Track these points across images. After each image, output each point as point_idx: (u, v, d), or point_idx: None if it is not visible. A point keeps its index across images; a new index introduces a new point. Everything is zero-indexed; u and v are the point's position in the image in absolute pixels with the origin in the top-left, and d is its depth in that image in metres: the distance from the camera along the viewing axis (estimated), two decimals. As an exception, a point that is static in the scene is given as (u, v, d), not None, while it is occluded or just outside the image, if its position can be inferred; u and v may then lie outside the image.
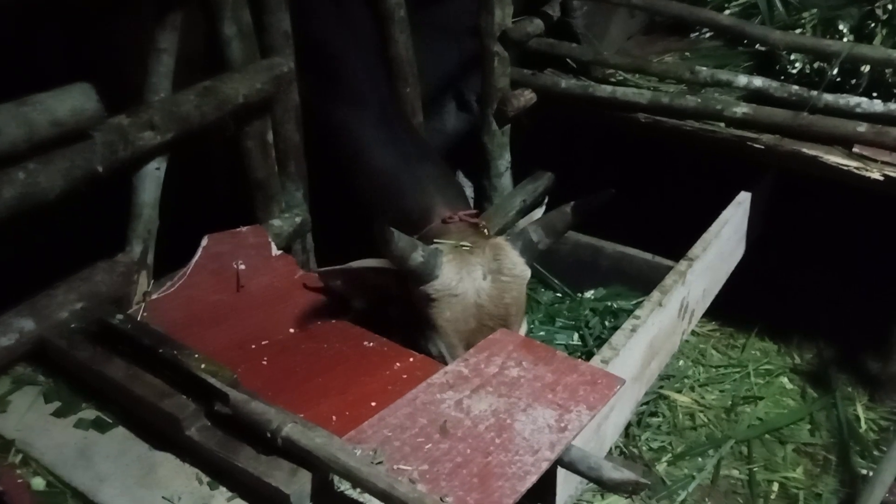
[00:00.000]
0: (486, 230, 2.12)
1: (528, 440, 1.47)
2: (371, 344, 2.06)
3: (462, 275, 1.91)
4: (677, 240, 2.56)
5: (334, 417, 1.70)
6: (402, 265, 1.85)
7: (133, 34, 2.19)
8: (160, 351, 1.51)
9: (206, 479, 1.39)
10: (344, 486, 1.35)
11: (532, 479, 1.39)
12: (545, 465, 1.42)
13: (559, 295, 2.99)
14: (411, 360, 1.97)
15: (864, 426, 2.68)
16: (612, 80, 2.90)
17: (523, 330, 2.05)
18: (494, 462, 1.41)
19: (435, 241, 1.98)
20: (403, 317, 2.10)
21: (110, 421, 1.53)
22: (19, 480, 1.40)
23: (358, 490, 1.33)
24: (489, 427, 1.50)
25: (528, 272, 2.02)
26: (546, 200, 2.32)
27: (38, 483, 1.41)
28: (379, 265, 1.97)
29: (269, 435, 1.34)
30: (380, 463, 1.37)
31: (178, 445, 1.45)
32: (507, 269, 1.96)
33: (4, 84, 1.54)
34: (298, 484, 1.31)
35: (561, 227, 2.08)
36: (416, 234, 2.08)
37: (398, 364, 1.96)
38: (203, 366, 1.49)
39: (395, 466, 1.38)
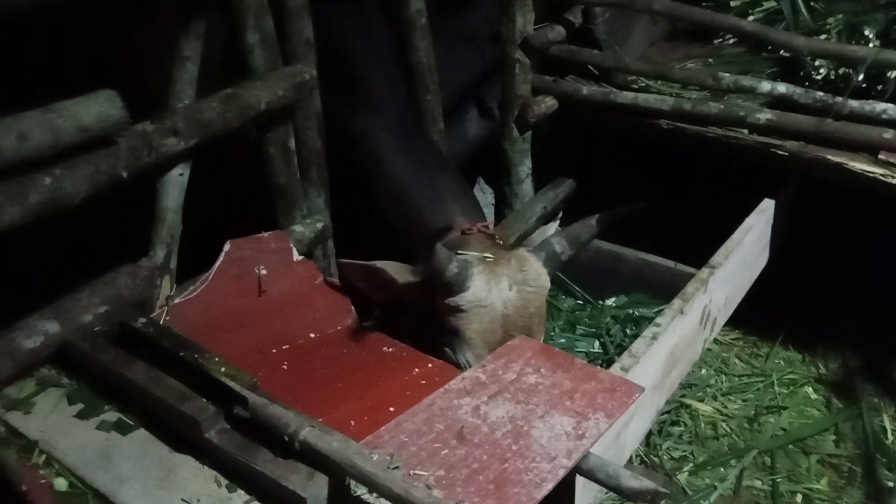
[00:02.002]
0: (501, 241, 2.12)
1: (545, 447, 1.46)
2: (390, 349, 2.07)
3: (490, 286, 1.92)
4: (700, 247, 2.55)
5: (352, 422, 1.71)
6: (438, 277, 1.86)
7: (153, 41, 2.23)
8: (181, 354, 1.52)
9: (224, 481, 1.40)
10: (360, 491, 1.35)
11: (549, 487, 1.38)
12: (562, 473, 1.41)
13: (580, 302, 2.98)
14: (430, 365, 1.98)
15: (890, 437, 2.63)
16: (634, 86, 2.89)
17: (541, 339, 2.05)
18: (511, 469, 1.41)
19: (459, 252, 1.98)
20: (415, 324, 2.11)
21: (132, 423, 1.54)
22: (42, 481, 1.42)
23: (374, 495, 1.33)
24: (506, 433, 1.50)
25: (549, 283, 2.03)
26: (561, 213, 2.30)
27: (61, 484, 1.42)
28: (401, 270, 1.98)
29: (286, 438, 1.34)
30: (396, 468, 1.38)
31: (197, 448, 1.46)
32: (532, 280, 1.98)
33: (32, 88, 1.58)
34: (315, 488, 1.32)
35: (585, 238, 2.08)
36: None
37: (417, 369, 1.96)
38: (223, 369, 1.50)
39: (411, 472, 1.38)
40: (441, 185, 2.21)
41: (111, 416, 1.57)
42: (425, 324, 2.06)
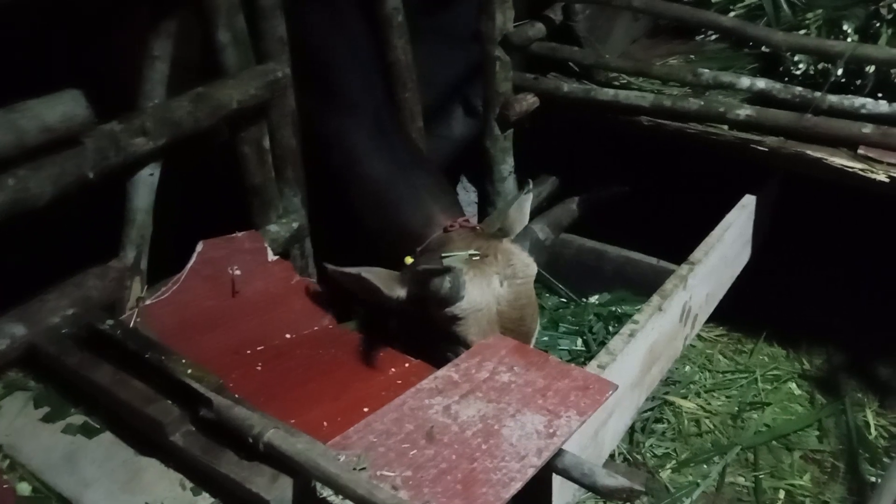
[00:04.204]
0: (482, 230, 2.11)
1: (514, 446, 1.45)
2: (366, 349, 2.06)
3: (483, 288, 1.91)
4: (684, 243, 2.54)
5: (325, 423, 1.69)
6: (434, 296, 1.85)
7: (132, 40, 2.21)
8: (146, 356, 1.51)
9: (189, 484, 1.39)
10: (326, 493, 1.33)
11: (517, 486, 1.37)
12: (531, 472, 1.40)
13: (563, 300, 2.96)
14: (406, 365, 1.96)
15: (873, 433, 2.62)
16: (615, 83, 2.88)
17: (538, 327, 2.05)
18: (480, 468, 1.39)
19: (443, 255, 1.97)
20: (404, 328, 2.10)
21: (97, 426, 1.53)
22: (5, 486, 1.40)
23: (340, 497, 1.32)
24: (476, 433, 1.48)
25: (536, 269, 2.02)
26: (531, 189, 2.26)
27: (24, 488, 1.41)
28: (387, 280, 1.96)
29: (251, 440, 1.33)
30: (363, 469, 1.36)
31: (162, 450, 1.45)
32: (520, 271, 1.96)
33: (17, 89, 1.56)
34: (279, 490, 1.30)
35: (566, 222, 2.06)
36: (417, 246, 2.08)
37: (393, 369, 1.95)
38: (189, 371, 1.48)
39: (378, 472, 1.37)
40: (419, 184, 2.19)
41: (77, 419, 1.55)
42: (414, 327, 2.04)
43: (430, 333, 1.97)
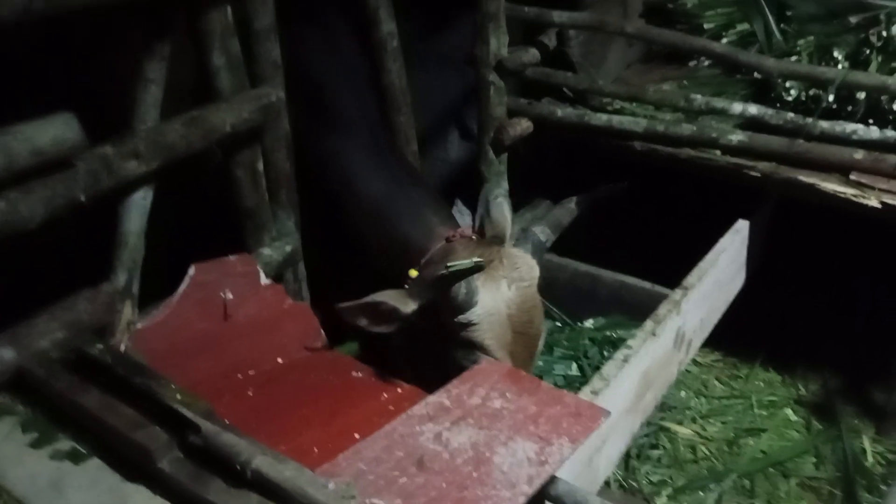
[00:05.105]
0: (482, 237, 2.10)
1: (506, 474, 1.43)
2: (359, 374, 2.04)
3: (493, 293, 1.91)
4: (678, 266, 2.53)
5: (316, 449, 1.68)
6: (451, 303, 1.86)
7: (127, 64, 2.22)
8: (135, 381, 1.49)
9: (176, 511, 1.37)
10: (314, 521, 1.31)
11: (508, 515, 1.35)
12: (522, 500, 1.38)
13: (558, 324, 2.96)
14: (399, 390, 1.95)
15: (870, 459, 2.61)
16: (609, 108, 2.89)
17: (543, 329, 2.05)
18: (470, 497, 1.38)
19: (449, 265, 1.96)
20: (411, 348, 2.09)
21: (84, 452, 1.50)
22: (-11, 513, 1.38)
23: (329, 524, 1.30)
24: (467, 460, 1.46)
25: (539, 271, 2.02)
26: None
27: (8, 515, 1.39)
28: (399, 298, 1.95)
29: (238, 467, 1.31)
30: (352, 497, 1.34)
31: (149, 477, 1.42)
32: (526, 274, 1.98)
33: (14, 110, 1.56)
34: (267, 518, 1.28)
35: (567, 221, 2.07)
36: (421, 259, 2.08)
37: (385, 395, 1.94)
38: (178, 396, 1.47)
39: (367, 501, 1.34)
40: (417, 198, 2.21)
41: (64, 444, 1.53)
42: (424, 342, 2.04)
43: (442, 345, 1.97)
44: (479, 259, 1.93)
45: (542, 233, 2.09)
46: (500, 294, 1.92)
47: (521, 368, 1.90)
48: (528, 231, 2.11)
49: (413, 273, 2.05)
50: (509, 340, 1.94)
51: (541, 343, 2.04)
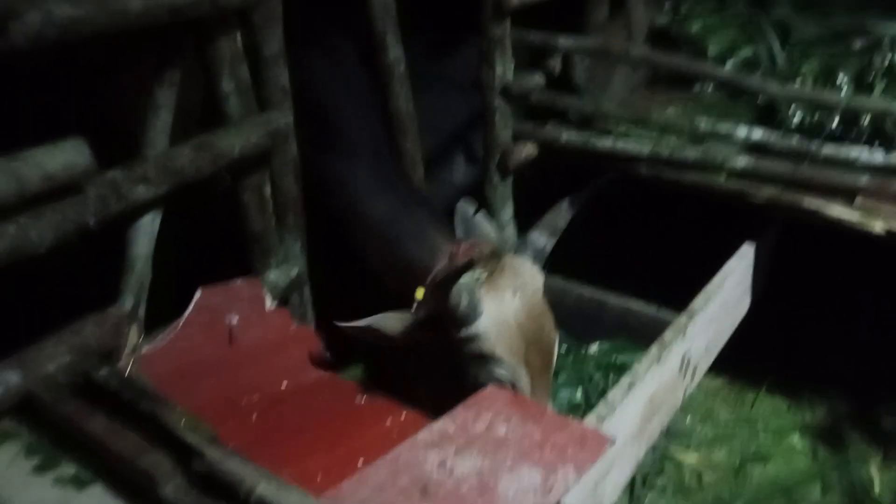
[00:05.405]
0: (485, 250, 2.11)
1: (511, 502, 1.42)
2: (363, 399, 2.04)
3: (498, 302, 1.91)
4: (685, 289, 2.52)
5: (320, 475, 1.67)
6: (453, 315, 1.86)
7: (135, 88, 2.24)
8: (140, 406, 1.49)
9: (179, 538, 1.37)
10: (318, 549, 1.31)
11: (513, 544, 1.34)
12: (527, 529, 1.38)
13: (563, 349, 2.94)
14: (403, 416, 1.95)
15: (878, 488, 2.57)
16: (614, 132, 2.91)
17: (556, 336, 2.04)
18: (475, 525, 1.37)
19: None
20: (424, 370, 2.09)
21: (88, 477, 1.51)
22: (-7, 538, 1.38)
23: (332, 553, 1.30)
24: (472, 488, 1.46)
25: (542, 278, 2.03)
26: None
27: (11, 541, 1.39)
28: (397, 321, 1.96)
29: (241, 495, 1.31)
30: (356, 525, 1.34)
31: (154, 503, 1.42)
32: (530, 283, 1.97)
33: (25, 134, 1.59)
34: (270, 546, 1.28)
35: (563, 224, 2.08)
36: (426, 277, 2.08)
37: (390, 420, 1.94)
38: (183, 421, 1.47)
39: (371, 528, 1.34)
40: (422, 219, 2.22)
41: (68, 469, 1.53)
42: (437, 363, 2.03)
43: (456, 363, 1.97)
44: (481, 271, 1.93)
45: (540, 238, 2.10)
46: (505, 303, 1.92)
47: (538, 379, 1.90)
48: (527, 238, 2.11)
49: (419, 293, 2.06)
50: (522, 350, 1.92)
51: (556, 352, 2.02)
